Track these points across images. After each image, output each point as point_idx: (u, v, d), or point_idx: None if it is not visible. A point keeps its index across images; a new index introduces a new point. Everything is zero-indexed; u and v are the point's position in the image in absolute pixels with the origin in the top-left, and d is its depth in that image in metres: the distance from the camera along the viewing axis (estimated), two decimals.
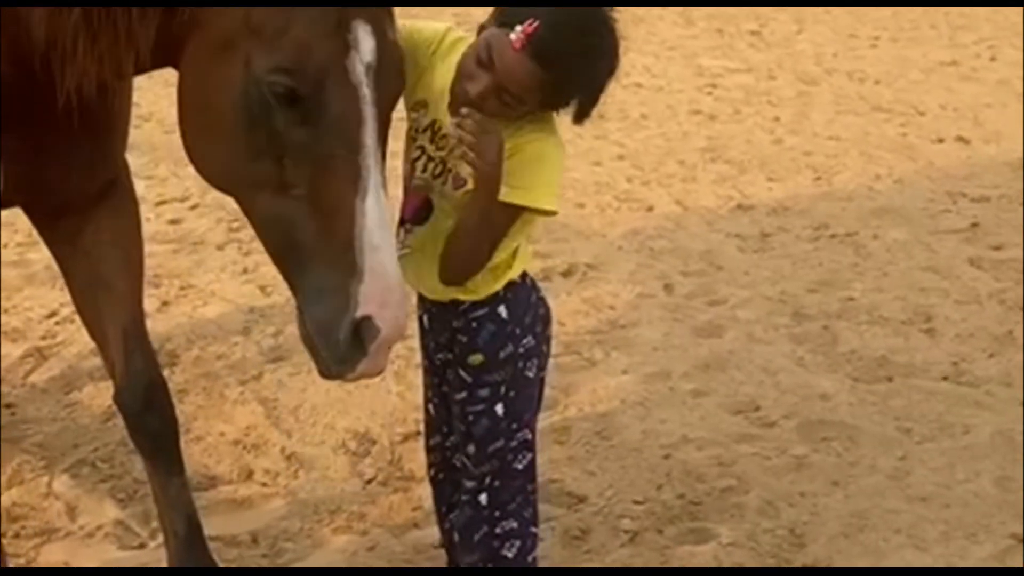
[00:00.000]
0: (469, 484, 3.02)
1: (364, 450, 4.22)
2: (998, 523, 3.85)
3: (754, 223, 6.20)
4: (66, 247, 3.24)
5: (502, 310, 2.89)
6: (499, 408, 2.94)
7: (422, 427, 4.31)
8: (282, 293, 5.37)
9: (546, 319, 2.98)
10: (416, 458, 4.15)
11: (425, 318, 3.02)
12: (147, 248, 5.38)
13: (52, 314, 5.05)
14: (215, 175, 2.61)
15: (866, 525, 3.83)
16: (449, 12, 7.95)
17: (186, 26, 2.54)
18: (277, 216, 2.51)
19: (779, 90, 8.57)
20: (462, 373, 2.95)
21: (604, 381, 4.65)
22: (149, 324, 4.96)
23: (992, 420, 4.41)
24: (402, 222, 2.89)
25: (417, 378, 4.65)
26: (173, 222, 6.09)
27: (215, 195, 6.37)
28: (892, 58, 9.41)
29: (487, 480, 2.99)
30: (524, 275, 2.94)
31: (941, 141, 7.57)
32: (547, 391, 4.48)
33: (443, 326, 2.96)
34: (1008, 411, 4.48)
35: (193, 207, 6.30)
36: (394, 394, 4.56)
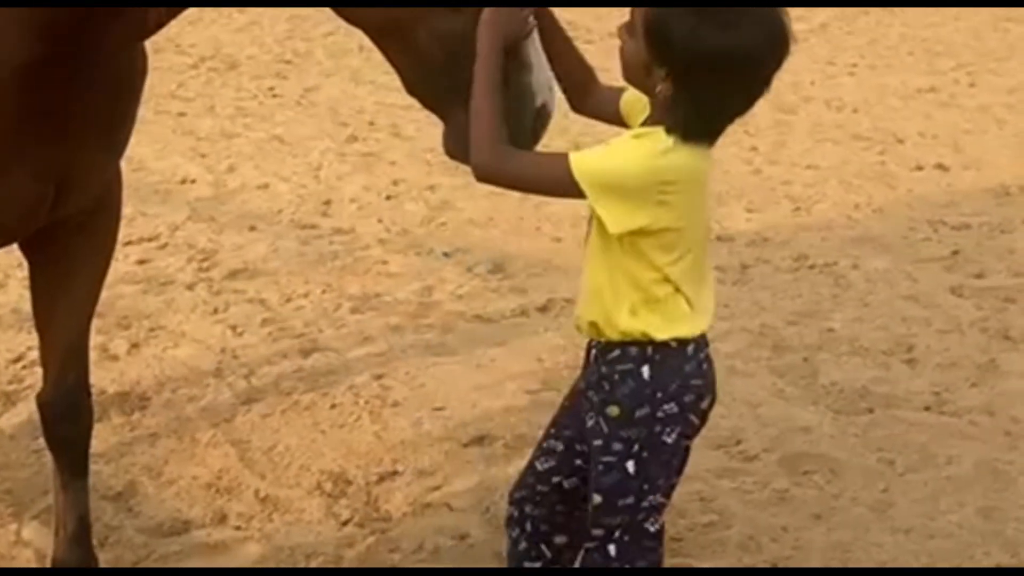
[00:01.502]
0: (596, 532, 2.98)
1: (339, 491, 4.25)
2: (983, 554, 3.91)
3: (733, 255, 6.27)
4: (37, 246, 3.33)
5: (645, 370, 2.84)
6: (630, 465, 2.90)
7: (399, 467, 4.39)
8: (254, 333, 5.42)
9: (701, 393, 2.90)
10: (393, 499, 4.19)
11: (592, 352, 2.97)
12: (115, 289, 5.46)
13: (19, 358, 5.07)
14: (383, 10, 2.73)
15: (849, 558, 3.88)
16: None
17: None
18: (451, 32, 2.73)
19: (756, 119, 8.64)
20: (600, 421, 2.91)
21: None
22: (118, 367, 5.05)
23: (975, 450, 4.47)
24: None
25: (392, 418, 4.71)
26: (141, 262, 6.12)
27: (184, 234, 6.49)
28: (870, 85, 9.52)
29: (617, 533, 2.95)
30: (683, 343, 2.85)
31: (920, 169, 7.66)
32: (525, 428, 4.58)
33: (596, 367, 2.93)
34: (991, 441, 4.54)
35: (162, 247, 6.34)
36: (370, 433, 4.60)
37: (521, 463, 4.35)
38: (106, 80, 2.94)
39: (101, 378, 4.81)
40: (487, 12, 2.74)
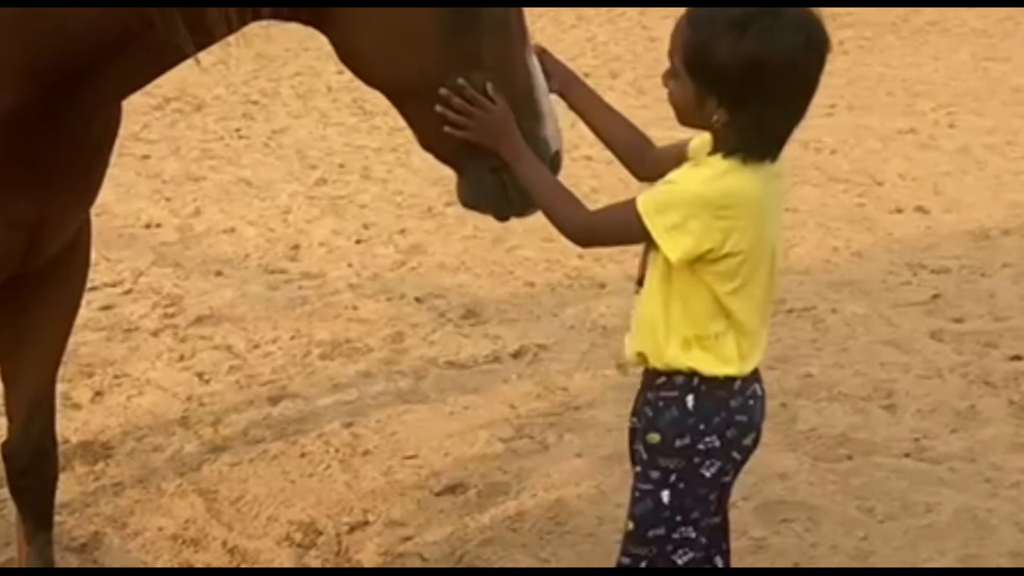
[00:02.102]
0: (624, 560, 3.05)
1: (309, 542, 4.29)
2: None
3: None
4: (5, 295, 3.37)
5: (690, 399, 2.91)
6: (665, 495, 2.96)
7: (370, 516, 4.43)
8: (221, 380, 5.46)
9: (745, 429, 2.96)
10: (364, 549, 4.23)
11: (642, 379, 3.07)
12: (79, 336, 5.48)
13: None
14: (411, 73, 2.90)
15: None
16: None
17: None
18: (475, 89, 2.91)
19: None
20: (640, 448, 3.00)
21: (558, 465, 4.75)
22: (81, 416, 5.08)
23: (955, 498, 4.54)
24: (638, 284, 3.01)
25: (363, 466, 4.75)
26: (105, 308, 6.17)
27: (149, 279, 6.54)
28: (849, 127, 9.64)
29: (644, 564, 3.01)
30: (734, 380, 2.92)
31: (900, 211, 7.76)
32: (498, 476, 4.63)
33: (641, 393, 3.02)
34: (971, 488, 4.62)
35: (126, 292, 6.39)
36: (340, 482, 4.64)
37: (495, 512, 4.43)
38: (89, 131, 3.01)
39: (64, 427, 4.84)
40: (499, 113, 2.91)
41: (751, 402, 2.96)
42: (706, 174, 2.80)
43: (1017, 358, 5.66)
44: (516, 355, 5.72)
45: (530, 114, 2.96)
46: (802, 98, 2.80)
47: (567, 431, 5.02)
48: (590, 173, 8.17)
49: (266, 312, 6.19)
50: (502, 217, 3.16)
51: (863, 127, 9.65)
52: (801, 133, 9.00)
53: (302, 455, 4.84)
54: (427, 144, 3.04)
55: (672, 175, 2.85)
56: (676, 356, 2.90)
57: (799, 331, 5.99)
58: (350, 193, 7.91)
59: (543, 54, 3.10)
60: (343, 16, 2.86)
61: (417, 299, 6.35)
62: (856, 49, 12.37)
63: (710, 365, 2.90)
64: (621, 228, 2.89)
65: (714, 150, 2.84)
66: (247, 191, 8.01)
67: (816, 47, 2.78)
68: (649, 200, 2.81)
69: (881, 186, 8.27)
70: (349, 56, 2.95)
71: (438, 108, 2.89)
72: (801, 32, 2.75)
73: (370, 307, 6.26)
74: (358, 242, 7.16)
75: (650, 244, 2.86)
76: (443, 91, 2.88)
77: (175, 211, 7.62)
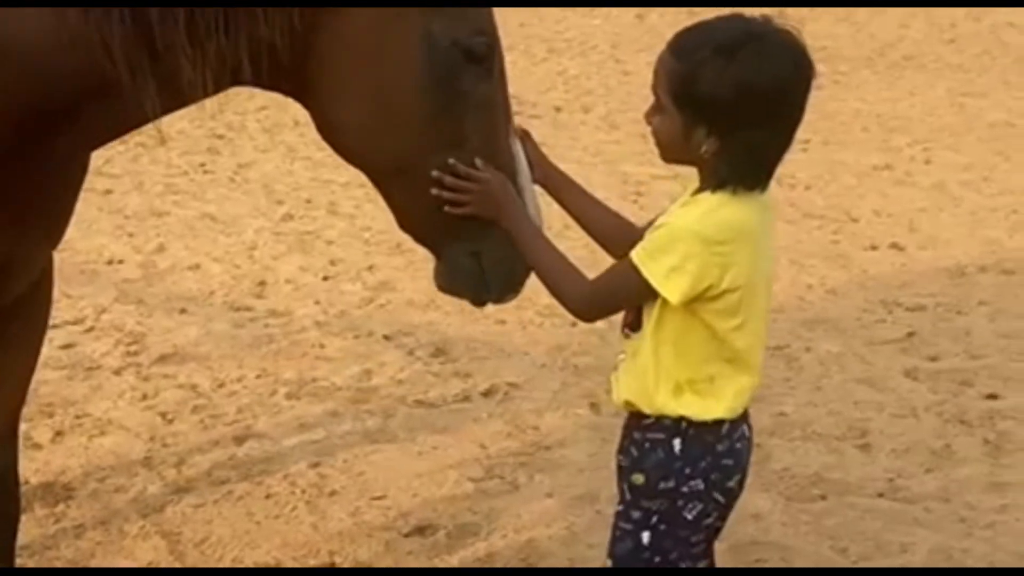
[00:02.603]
0: None
1: None
2: None
3: None
4: None
5: (676, 443, 2.95)
6: (645, 536, 3.00)
7: (337, 559, 4.45)
8: (185, 420, 5.48)
9: (730, 472, 3.01)
10: None
11: (626, 418, 3.11)
12: (39, 375, 5.48)
13: None
14: (391, 154, 2.96)
15: None
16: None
17: (316, 20, 2.83)
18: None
19: None
20: (625, 487, 3.05)
21: (528, 505, 4.79)
22: (42, 456, 5.10)
23: (930, 538, 4.60)
24: (624, 327, 3.06)
25: (330, 507, 4.78)
26: (66, 346, 6.18)
27: (111, 316, 6.56)
28: (823, 162, 9.73)
29: None
30: (722, 424, 2.97)
31: (875, 248, 7.85)
32: (468, 517, 4.67)
33: (626, 433, 3.06)
34: (946, 528, 4.68)
35: (88, 330, 6.41)
36: (307, 524, 4.67)
37: (464, 553, 4.47)
38: (61, 173, 3.05)
39: (25, 468, 4.82)
40: (495, 183, 3.00)
41: (738, 445, 3.02)
42: (698, 211, 2.85)
43: (993, 397, 5.74)
44: (486, 394, 5.76)
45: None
46: (790, 123, 2.86)
47: (538, 471, 5.06)
48: (561, 209, 8.22)
49: (231, 350, 6.22)
50: (479, 302, 3.24)
51: (838, 163, 9.74)
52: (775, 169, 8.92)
53: (268, 496, 4.87)
54: (407, 226, 3.11)
55: (662, 219, 2.90)
56: (666, 403, 2.95)
57: (773, 369, 6.04)
58: (317, 229, 7.95)
59: (525, 138, 3.18)
60: (325, 88, 2.91)
61: (385, 337, 6.39)
62: (831, 84, 12.45)
63: (700, 410, 2.95)
64: (622, 288, 2.93)
65: (702, 188, 2.89)
66: (212, 227, 8.04)
67: (803, 72, 2.85)
68: (642, 250, 2.86)
69: (856, 222, 8.35)
70: (330, 131, 3.01)
71: (433, 190, 2.96)
72: (788, 57, 2.83)
73: (337, 345, 6.29)
74: (325, 279, 7.19)
75: (650, 295, 2.89)
76: (435, 173, 2.95)
77: (138, 247, 7.64)
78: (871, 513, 4.77)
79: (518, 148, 3.11)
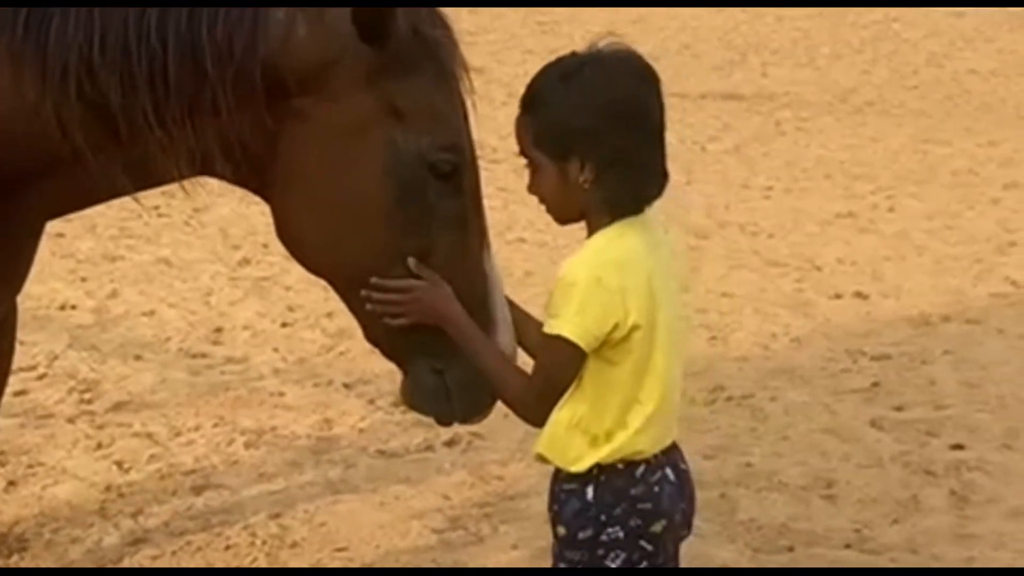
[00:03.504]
0: None
1: None
2: None
3: None
4: None
5: (589, 491, 3.01)
6: None
7: None
8: (142, 469, 5.49)
9: (650, 517, 3.04)
10: None
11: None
12: None
13: None
14: (351, 263, 2.99)
15: None
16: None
17: (283, 121, 2.87)
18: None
19: None
20: (553, 540, 3.11)
21: (493, 557, 4.83)
22: None
23: None
24: None
25: (291, 559, 4.80)
26: (19, 394, 6.17)
27: (64, 363, 6.56)
28: (786, 209, 9.84)
29: None
30: (632, 465, 3.03)
31: (839, 297, 7.94)
32: (432, 569, 4.69)
33: (551, 485, 3.12)
34: None
35: (40, 377, 6.41)
36: None
37: None
38: (29, 228, 3.10)
39: None
40: (427, 290, 3.03)
41: (656, 488, 3.06)
42: (586, 254, 2.97)
43: (958, 447, 5.83)
44: (449, 443, 5.80)
45: (482, 321, 3.06)
46: (652, 127, 2.99)
47: (502, 522, 5.10)
48: (523, 256, 8.25)
49: (188, 398, 6.23)
50: (443, 422, 3.29)
51: (801, 210, 9.84)
52: (737, 216, 9.15)
53: (227, 548, 4.89)
54: (372, 339, 3.16)
55: (559, 279, 2.96)
56: (580, 456, 3.02)
57: (738, 419, 6.12)
58: (275, 274, 7.98)
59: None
60: (287, 191, 2.97)
61: (346, 385, 6.42)
62: (793, 131, 12.63)
63: (609, 453, 3.02)
64: (552, 366, 2.98)
65: (590, 233, 3.00)
66: (167, 272, 8.06)
67: (645, 75, 3.00)
68: (548, 317, 2.95)
69: (820, 271, 8.45)
70: (289, 237, 3.06)
71: (368, 306, 3.01)
72: (628, 66, 2.99)
73: (297, 393, 6.32)
74: (284, 325, 7.22)
75: (578, 357, 2.95)
76: (363, 292, 2.99)
77: (91, 292, 7.65)
78: (838, 564, 4.83)
79: (491, 266, 3.14)
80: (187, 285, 7.84)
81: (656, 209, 3.06)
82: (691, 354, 6.91)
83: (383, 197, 2.94)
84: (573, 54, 3.01)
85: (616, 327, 2.92)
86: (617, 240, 2.97)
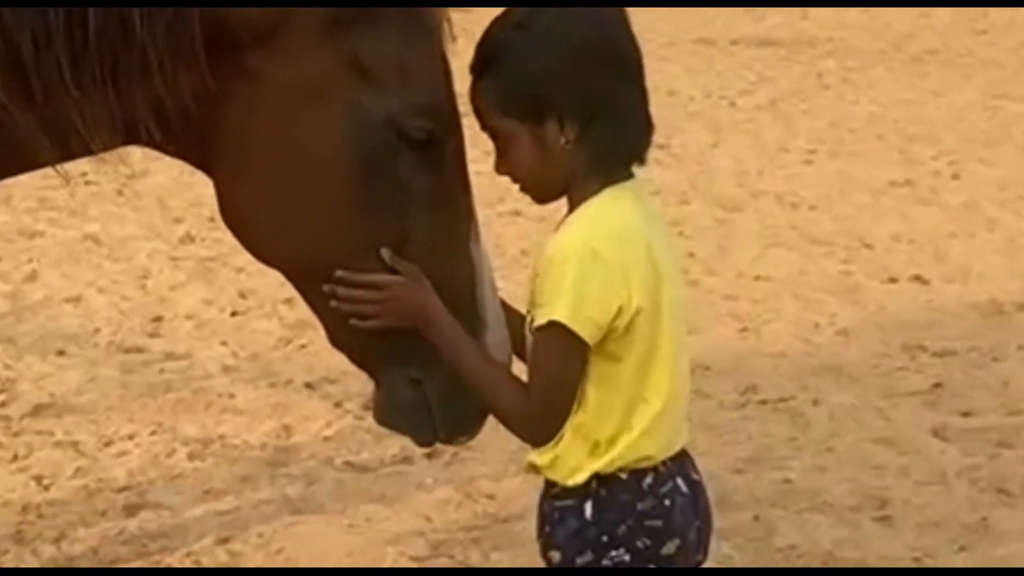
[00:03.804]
0: None
1: None
2: None
3: None
4: None
5: (587, 507, 2.99)
6: None
7: None
8: (65, 486, 5.47)
9: (660, 537, 3.01)
10: None
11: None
12: None
13: None
14: (309, 253, 2.96)
15: None
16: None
17: (227, 82, 2.83)
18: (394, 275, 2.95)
19: (693, 218, 8.89)
20: (546, 568, 3.08)
21: None
22: None
23: None
24: None
25: None
26: None
27: None
28: (832, 177, 9.78)
29: None
30: (638, 474, 3.00)
31: (894, 281, 7.90)
32: None
33: (539, 508, 3.10)
34: None
35: None
36: None
37: None
38: None
39: None
40: (404, 288, 2.98)
41: (667, 502, 3.03)
42: (579, 226, 2.94)
43: None
44: (431, 455, 5.76)
45: (469, 319, 3.02)
46: (629, 66, 2.99)
47: (494, 548, 5.08)
48: (517, 232, 8.23)
49: (120, 400, 6.21)
50: (424, 443, 3.24)
51: (849, 178, 9.79)
52: (773, 184, 9.11)
53: None
54: (337, 342, 3.13)
55: (539, 263, 2.94)
56: (579, 465, 2.99)
57: (774, 427, 6.08)
58: (223, 253, 7.93)
59: None
60: (231, 166, 2.94)
61: (308, 385, 6.40)
62: (839, 83, 12.59)
63: (611, 461, 2.98)
64: (552, 367, 2.94)
65: (572, 207, 2.98)
66: (95, 250, 8.02)
67: (608, 11, 3.01)
68: (537, 308, 2.91)
69: (871, 250, 8.41)
70: (235, 219, 3.03)
71: (332, 303, 2.97)
72: (583, 10, 2.98)
73: (249, 395, 6.30)
74: (234, 314, 7.20)
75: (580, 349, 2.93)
76: (326, 286, 2.95)
77: (5, 275, 7.62)
78: None
79: (480, 254, 3.09)
80: (119, 266, 7.80)
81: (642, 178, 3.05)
82: (718, 348, 6.89)
83: (346, 172, 2.91)
84: (513, 8, 3.00)
85: (620, 311, 2.89)
86: (611, 206, 2.95)
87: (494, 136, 2.98)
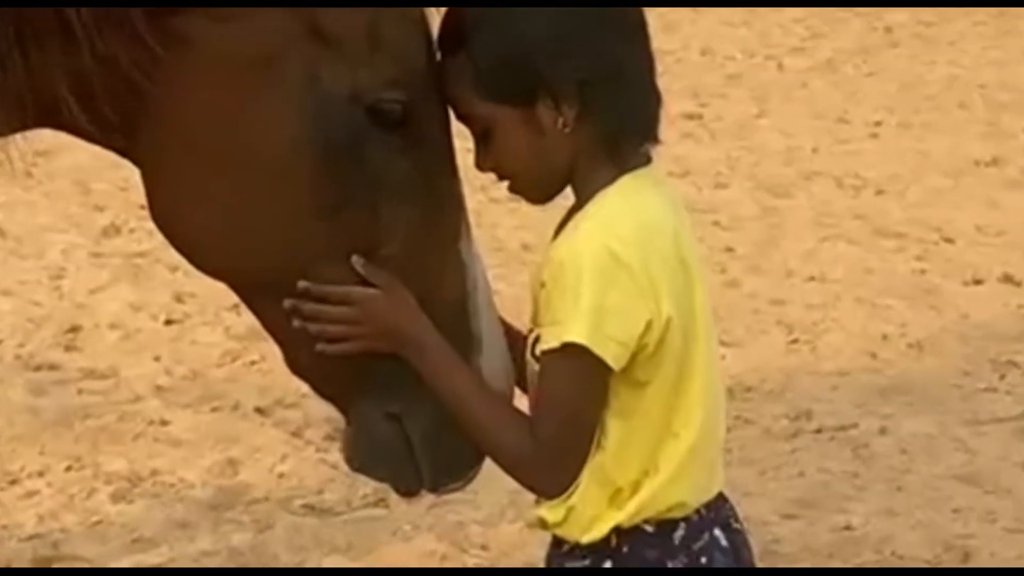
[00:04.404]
0: None
1: None
2: None
3: None
4: None
5: (606, 568, 2.97)
6: None
7: None
8: None
9: None
10: None
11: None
12: None
13: None
14: (260, 262, 2.94)
15: None
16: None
17: (160, 50, 2.81)
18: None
19: (732, 205, 8.88)
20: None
21: None
22: None
23: None
24: None
25: None
26: None
27: None
28: (902, 155, 9.77)
29: None
30: (667, 525, 2.98)
31: (979, 283, 7.90)
32: None
33: (547, 561, 3.10)
34: None
35: None
36: None
37: None
38: None
39: None
40: (381, 302, 2.95)
41: (703, 559, 3.02)
42: (596, 224, 2.89)
43: None
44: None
45: (459, 339, 2.98)
46: (632, 27, 2.98)
47: None
48: (517, 222, 8.20)
49: (28, 429, 6.20)
50: (406, 492, 3.18)
51: (923, 155, 9.80)
52: (831, 164, 9.15)
53: None
54: (298, 367, 3.10)
55: (546, 270, 2.91)
56: (597, 516, 2.97)
57: (832, 461, 6.07)
58: (156, 248, 7.90)
59: None
60: (160, 154, 2.92)
61: (259, 410, 6.39)
62: (911, 39, 12.59)
63: (636, 511, 2.96)
64: (565, 393, 2.89)
65: (582, 201, 2.95)
66: None
67: None
68: (547, 327, 2.87)
69: (951, 244, 8.41)
70: (168, 222, 3.01)
71: (294, 323, 2.94)
72: None
73: (187, 422, 6.30)
74: (169, 323, 7.19)
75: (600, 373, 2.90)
76: (287, 302, 2.92)
77: None
78: None
79: (472, 255, 3.05)
80: (28, 264, 7.80)
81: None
82: (764, 364, 6.88)
83: (305, 160, 2.88)
84: None
85: (649, 326, 2.86)
86: (633, 197, 2.93)
87: (472, 126, 2.95)
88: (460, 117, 2.97)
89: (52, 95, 2.82)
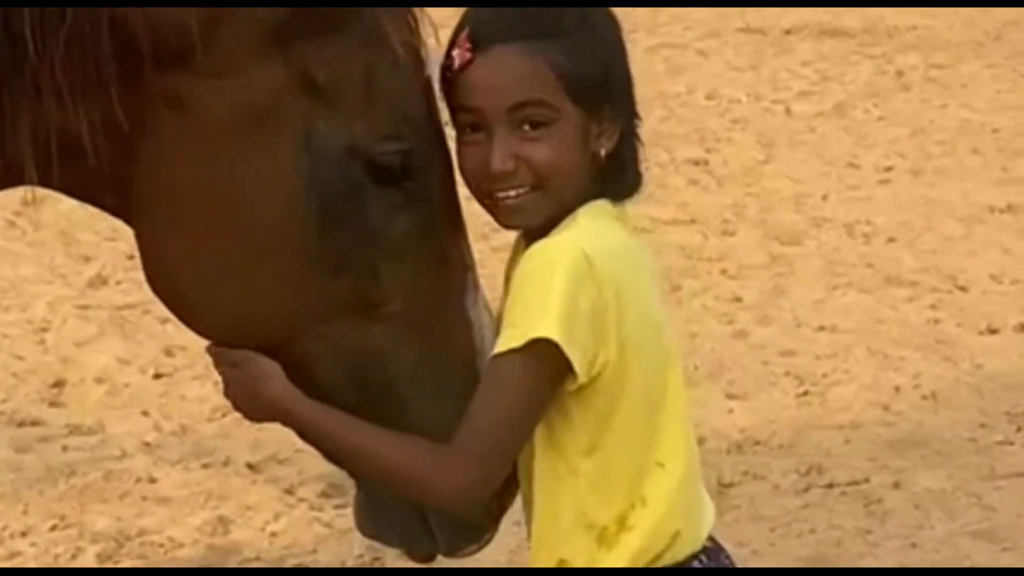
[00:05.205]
0: None
1: None
2: None
3: (707, 466, 6.34)
4: None
5: None
6: None
7: None
8: None
9: None
10: None
11: None
12: None
13: None
14: (253, 323, 2.94)
15: None
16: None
17: (146, 108, 2.82)
18: (356, 353, 2.94)
19: (740, 253, 8.87)
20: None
21: None
22: None
23: None
24: None
25: None
26: None
27: None
28: (914, 201, 9.76)
29: None
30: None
31: (994, 332, 7.88)
32: None
33: None
34: None
35: None
36: None
37: None
38: None
39: None
40: (245, 377, 2.98)
41: None
42: (570, 232, 2.89)
43: None
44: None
45: (469, 395, 2.90)
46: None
47: None
48: None
49: (12, 488, 6.18)
50: (421, 556, 3.20)
51: (936, 202, 9.79)
52: (841, 210, 9.14)
53: None
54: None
55: (522, 267, 2.88)
56: (593, 561, 2.95)
57: (844, 517, 6.06)
58: (144, 299, 7.88)
59: None
60: (152, 211, 2.93)
61: (250, 466, 6.37)
62: (924, 82, 12.58)
63: (640, 550, 2.94)
64: (522, 399, 2.84)
65: (539, 236, 2.92)
66: None
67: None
68: (511, 329, 2.82)
69: (965, 292, 8.40)
70: (162, 283, 3.03)
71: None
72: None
73: (177, 479, 6.28)
74: (157, 376, 7.18)
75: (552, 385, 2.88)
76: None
77: None
78: None
79: (479, 311, 3.05)
80: (12, 316, 7.79)
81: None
82: (773, 417, 6.87)
83: (300, 218, 2.88)
84: None
85: (616, 340, 2.83)
86: (603, 221, 2.94)
87: (531, 117, 2.89)
88: (524, 105, 2.89)
89: (18, 155, 2.80)
